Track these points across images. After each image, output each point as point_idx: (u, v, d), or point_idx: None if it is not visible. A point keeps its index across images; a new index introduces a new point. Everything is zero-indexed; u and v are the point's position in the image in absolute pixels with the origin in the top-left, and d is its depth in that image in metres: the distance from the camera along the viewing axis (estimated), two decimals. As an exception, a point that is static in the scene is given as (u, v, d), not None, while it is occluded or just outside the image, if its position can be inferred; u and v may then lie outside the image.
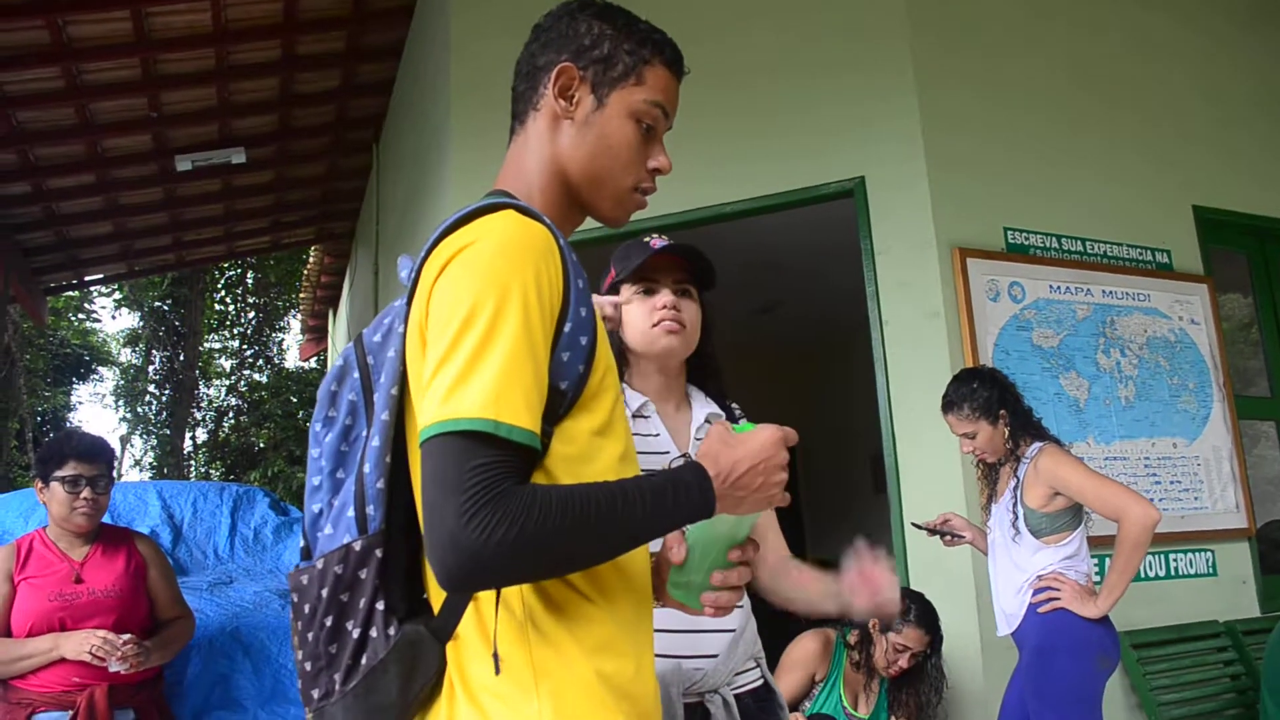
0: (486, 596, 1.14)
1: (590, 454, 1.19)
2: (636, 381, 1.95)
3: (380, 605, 1.15)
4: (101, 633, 2.83)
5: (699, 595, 1.28)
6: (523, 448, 1.07)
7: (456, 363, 1.08)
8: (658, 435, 1.90)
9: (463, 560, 1.02)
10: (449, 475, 1.04)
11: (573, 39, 1.32)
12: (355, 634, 1.16)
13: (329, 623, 1.17)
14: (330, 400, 1.28)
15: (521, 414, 1.07)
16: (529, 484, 1.07)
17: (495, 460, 1.05)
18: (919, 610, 3.50)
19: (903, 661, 3.49)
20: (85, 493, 2.95)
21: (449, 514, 1.03)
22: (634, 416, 1.89)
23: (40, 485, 3.01)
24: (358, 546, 1.16)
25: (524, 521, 1.03)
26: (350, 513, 1.18)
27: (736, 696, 1.84)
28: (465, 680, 1.13)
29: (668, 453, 1.88)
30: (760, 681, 1.92)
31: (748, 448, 1.18)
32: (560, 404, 1.16)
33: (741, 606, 1.87)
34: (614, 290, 1.98)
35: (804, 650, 3.63)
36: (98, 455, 3.01)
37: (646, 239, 1.95)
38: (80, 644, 2.80)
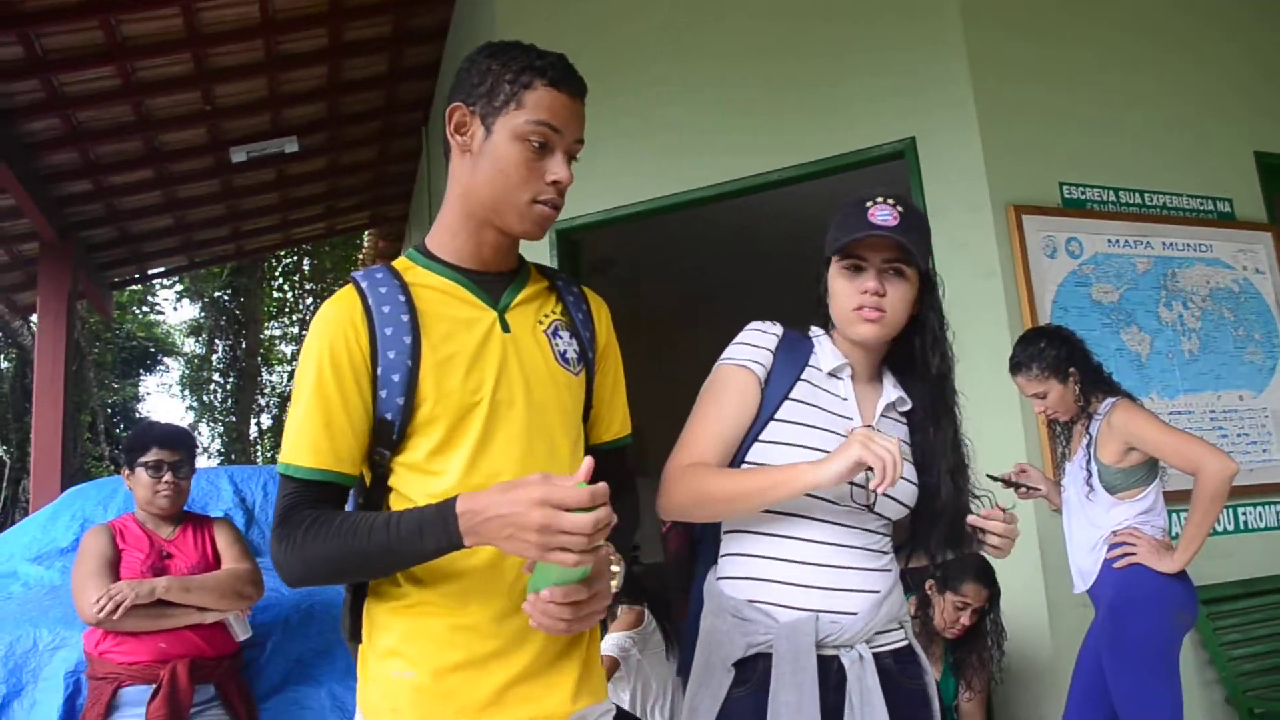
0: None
1: (432, 468, 1.42)
2: (841, 345, 1.87)
3: None
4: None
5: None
6: (311, 482, 1.39)
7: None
8: (845, 400, 1.83)
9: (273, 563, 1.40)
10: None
11: (466, 81, 1.48)
12: None
13: None
14: None
15: (305, 455, 1.39)
16: (314, 510, 1.37)
17: (290, 492, 1.40)
18: (978, 566, 3.49)
19: (964, 619, 3.49)
20: (167, 477, 3.10)
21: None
22: (829, 375, 1.84)
23: (126, 472, 3.16)
24: None
25: (296, 538, 1.35)
26: None
27: (876, 655, 1.76)
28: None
29: (851, 419, 1.82)
30: (904, 643, 1.83)
31: (504, 498, 1.26)
32: (391, 431, 1.42)
33: (889, 570, 1.80)
34: (826, 262, 1.87)
35: None
36: (179, 442, 3.17)
37: (868, 202, 1.78)
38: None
